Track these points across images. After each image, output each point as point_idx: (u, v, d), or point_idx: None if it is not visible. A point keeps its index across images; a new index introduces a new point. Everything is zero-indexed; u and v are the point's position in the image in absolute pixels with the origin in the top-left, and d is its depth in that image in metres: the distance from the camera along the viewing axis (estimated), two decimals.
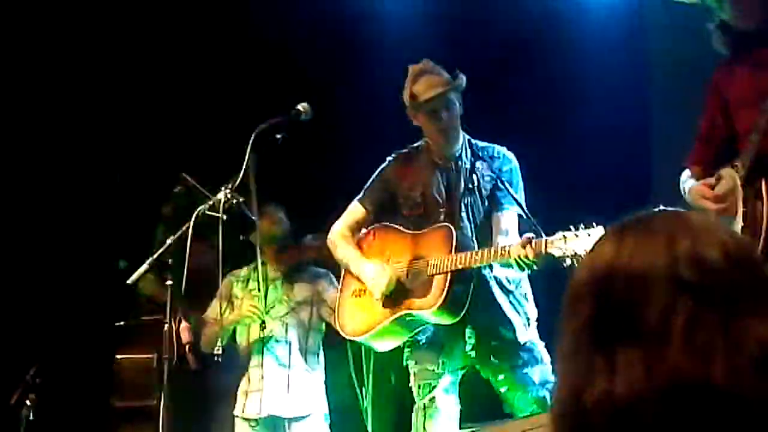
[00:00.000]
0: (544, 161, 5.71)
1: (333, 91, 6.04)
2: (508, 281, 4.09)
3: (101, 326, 5.65)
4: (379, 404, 5.70)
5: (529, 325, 4.09)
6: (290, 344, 4.90)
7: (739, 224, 3.36)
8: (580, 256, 3.55)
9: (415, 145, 4.31)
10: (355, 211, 4.36)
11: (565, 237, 3.65)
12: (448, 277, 3.93)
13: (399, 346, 4.24)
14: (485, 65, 5.58)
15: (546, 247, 3.67)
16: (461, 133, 4.20)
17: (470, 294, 3.96)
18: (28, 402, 5.15)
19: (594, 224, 3.64)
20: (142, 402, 4.99)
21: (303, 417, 4.91)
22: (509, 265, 3.85)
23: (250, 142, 3.99)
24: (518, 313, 4.08)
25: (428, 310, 3.96)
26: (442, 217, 4.11)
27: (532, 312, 4.13)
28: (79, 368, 6.08)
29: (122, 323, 5.36)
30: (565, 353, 1.19)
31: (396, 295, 4.09)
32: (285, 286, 5.01)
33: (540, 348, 4.09)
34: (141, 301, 5.32)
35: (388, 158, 4.35)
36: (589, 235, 3.59)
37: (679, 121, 5.37)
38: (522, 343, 4.06)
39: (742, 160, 3.39)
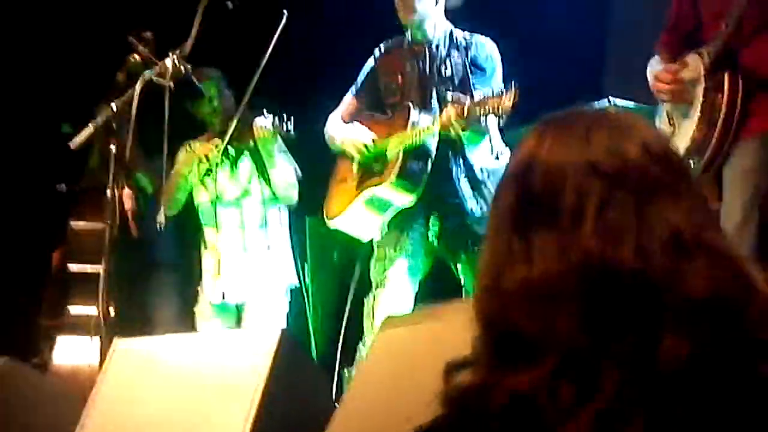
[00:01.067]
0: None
1: None
2: (482, 171, 4.13)
3: (44, 190, 5.58)
4: (320, 280, 5.75)
5: None
6: (245, 228, 4.85)
7: (696, 113, 3.35)
8: (501, 111, 3.74)
9: (400, 36, 4.39)
10: (347, 102, 4.50)
11: (486, 96, 3.83)
12: (400, 153, 4.05)
13: None
14: None
15: (469, 106, 3.82)
16: (441, 22, 4.26)
17: (427, 170, 4.06)
18: None
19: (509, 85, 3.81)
20: (95, 267, 4.95)
21: (258, 296, 4.88)
22: (480, 138, 4.01)
23: (201, 6, 3.90)
24: (485, 203, 4.11)
25: (384, 185, 4.08)
26: (413, 102, 4.19)
27: None
28: (23, 231, 6.04)
29: (64, 186, 5.28)
30: (489, 235, 1.23)
31: (365, 177, 4.23)
32: (233, 164, 4.92)
33: None
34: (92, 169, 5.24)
35: (375, 50, 4.45)
36: (503, 92, 3.76)
37: (635, 11, 5.34)
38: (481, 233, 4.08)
39: (708, 49, 3.37)
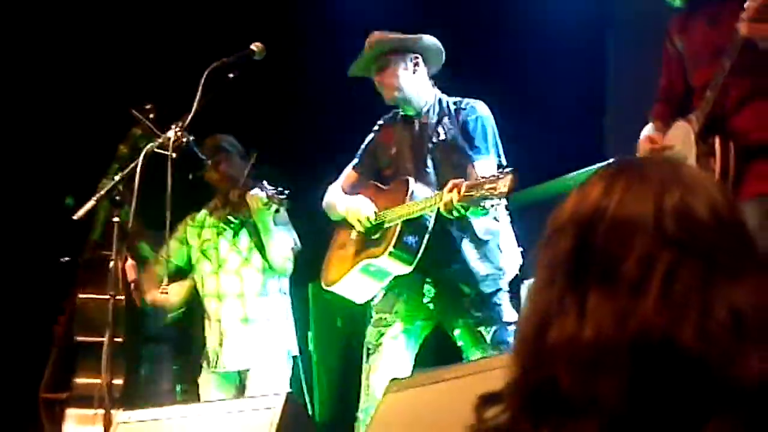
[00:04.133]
0: (500, 113, 5.72)
1: (290, 32, 5.98)
2: (486, 232, 4.15)
3: (47, 262, 5.59)
4: (324, 346, 5.75)
5: (500, 276, 4.15)
6: (246, 297, 4.87)
7: None
8: (496, 196, 3.74)
9: (397, 110, 4.45)
10: (348, 175, 4.54)
11: (480, 180, 3.82)
12: (398, 226, 4.08)
13: None
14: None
15: (466, 189, 3.80)
16: (427, 91, 4.31)
17: (423, 243, 4.06)
18: None
19: (506, 169, 3.82)
20: (103, 337, 4.95)
21: (259, 365, 4.87)
22: (481, 214, 4.00)
23: (203, 80, 3.95)
24: (490, 263, 4.13)
25: (380, 258, 4.10)
26: (408, 172, 4.24)
27: (509, 263, 4.19)
28: (26, 303, 6.04)
29: (67, 259, 5.30)
30: (538, 284, 1.18)
31: (363, 247, 4.25)
32: (235, 234, 4.95)
33: (506, 306, 4.14)
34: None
35: (377, 123, 4.51)
36: (500, 177, 3.75)
37: (634, 74, 5.40)
38: (485, 295, 4.11)
39: (697, 115, 3.40)
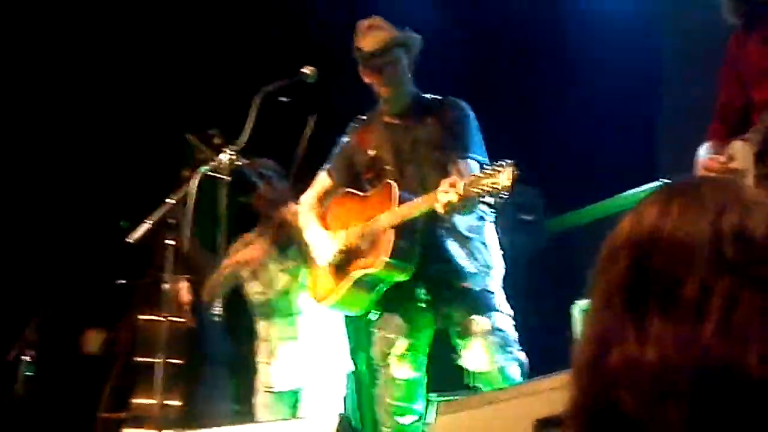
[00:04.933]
0: (550, 134, 5.70)
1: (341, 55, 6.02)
2: (469, 229, 4.01)
3: (103, 284, 5.67)
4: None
5: (488, 273, 4.02)
6: (294, 316, 4.90)
7: None
8: (499, 191, 3.50)
9: (373, 109, 4.30)
10: (321, 180, 4.39)
11: (479, 175, 3.60)
12: (391, 233, 3.94)
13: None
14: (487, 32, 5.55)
15: (465, 186, 3.59)
16: (410, 90, 4.17)
17: (417, 246, 3.94)
18: (26, 358, 5.16)
19: (505, 162, 3.55)
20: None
21: (313, 384, 4.89)
22: (467, 213, 3.84)
23: (255, 103, 3.99)
24: (476, 260, 4.00)
25: (377, 268, 3.96)
26: (389, 175, 4.09)
27: (494, 261, 4.06)
28: (79, 326, 6.12)
29: (123, 282, 5.37)
30: (596, 306, 1.16)
31: (352, 258, 4.10)
32: (281, 254, 4.98)
33: (498, 297, 4.00)
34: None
35: (350, 124, 4.36)
36: (499, 170, 3.51)
37: (686, 94, 5.35)
38: (476, 291, 3.98)
39: (755, 134, 3.35)
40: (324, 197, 4.37)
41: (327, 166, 4.37)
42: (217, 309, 4.55)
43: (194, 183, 4.05)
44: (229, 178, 4.11)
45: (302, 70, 4.14)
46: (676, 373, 1.08)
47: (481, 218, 4.00)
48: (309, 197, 4.39)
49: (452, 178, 3.66)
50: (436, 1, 6.33)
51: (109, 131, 6.59)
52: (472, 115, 4.12)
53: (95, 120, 6.58)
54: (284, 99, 4.05)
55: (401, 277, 3.98)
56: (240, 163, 4.22)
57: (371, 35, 4.10)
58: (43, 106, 6.56)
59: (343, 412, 4.74)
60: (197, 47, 6.50)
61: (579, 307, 4.25)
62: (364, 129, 4.30)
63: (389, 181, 4.04)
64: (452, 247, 4.00)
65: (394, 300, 4.09)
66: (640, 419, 1.08)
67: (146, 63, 6.54)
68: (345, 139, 4.34)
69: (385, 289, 4.06)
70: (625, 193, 5.06)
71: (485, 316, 3.94)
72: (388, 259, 3.92)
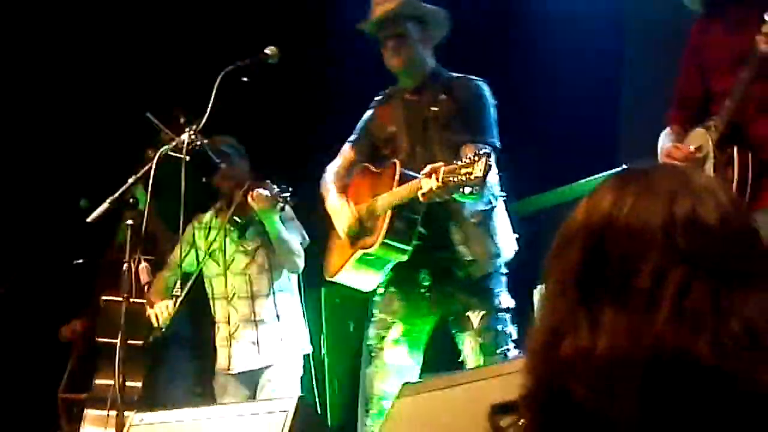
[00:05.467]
0: (513, 117, 5.70)
1: (303, 34, 6.00)
2: (474, 215, 3.95)
3: (61, 263, 5.62)
4: (336, 351, 5.74)
5: (491, 261, 3.97)
6: (254, 298, 4.88)
7: None
8: (473, 181, 3.49)
9: (396, 85, 4.27)
10: (345, 153, 4.37)
11: (457, 164, 3.56)
12: (388, 214, 3.93)
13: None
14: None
15: (444, 175, 3.57)
16: (425, 65, 4.14)
17: (416, 227, 3.92)
18: None
19: (484, 149, 3.58)
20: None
21: (271, 365, 4.87)
22: (474, 199, 3.77)
23: (216, 83, 3.96)
24: (478, 247, 3.96)
25: (373, 248, 3.96)
26: (402, 152, 4.08)
27: (504, 248, 4.01)
28: (42, 304, 6.07)
29: (81, 261, 5.33)
30: (550, 294, 1.17)
31: (359, 235, 4.09)
32: (241, 234, 4.95)
33: (499, 291, 3.99)
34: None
35: (375, 98, 4.34)
36: (474, 160, 3.50)
37: (648, 79, 5.38)
38: (475, 280, 3.96)
39: (715, 123, 3.37)
40: (347, 169, 4.34)
41: (352, 138, 4.36)
42: (177, 290, 4.51)
43: (154, 162, 4.04)
44: (189, 157, 4.08)
45: (264, 50, 4.12)
46: (627, 362, 1.08)
47: (490, 203, 3.93)
48: (333, 168, 4.37)
49: (436, 165, 3.63)
50: None
51: (70, 111, 6.52)
52: (488, 96, 4.07)
53: (56, 99, 6.51)
54: (245, 79, 4.02)
55: (400, 258, 3.97)
56: (200, 143, 4.19)
57: (380, 7, 4.09)
58: (0, 84, 6.48)
59: (301, 393, 4.73)
60: (160, 26, 6.44)
61: (539, 292, 4.24)
62: (384, 104, 4.29)
63: (395, 160, 4.03)
64: (454, 232, 3.96)
65: (397, 283, 4.10)
66: (588, 409, 1.09)
67: (108, 41, 6.47)
68: (369, 112, 4.33)
69: (391, 267, 4.05)
70: (583, 180, 5.06)
71: (480, 312, 3.93)
72: (384, 240, 3.92)
